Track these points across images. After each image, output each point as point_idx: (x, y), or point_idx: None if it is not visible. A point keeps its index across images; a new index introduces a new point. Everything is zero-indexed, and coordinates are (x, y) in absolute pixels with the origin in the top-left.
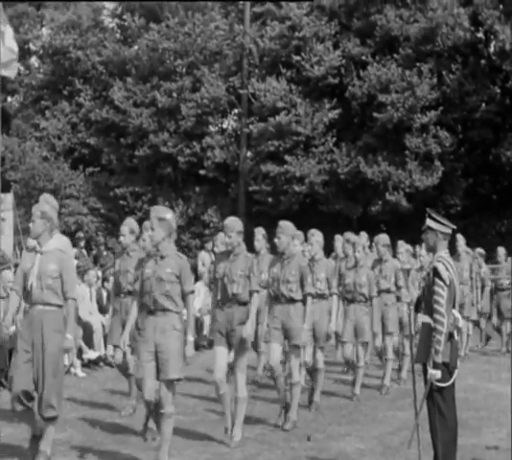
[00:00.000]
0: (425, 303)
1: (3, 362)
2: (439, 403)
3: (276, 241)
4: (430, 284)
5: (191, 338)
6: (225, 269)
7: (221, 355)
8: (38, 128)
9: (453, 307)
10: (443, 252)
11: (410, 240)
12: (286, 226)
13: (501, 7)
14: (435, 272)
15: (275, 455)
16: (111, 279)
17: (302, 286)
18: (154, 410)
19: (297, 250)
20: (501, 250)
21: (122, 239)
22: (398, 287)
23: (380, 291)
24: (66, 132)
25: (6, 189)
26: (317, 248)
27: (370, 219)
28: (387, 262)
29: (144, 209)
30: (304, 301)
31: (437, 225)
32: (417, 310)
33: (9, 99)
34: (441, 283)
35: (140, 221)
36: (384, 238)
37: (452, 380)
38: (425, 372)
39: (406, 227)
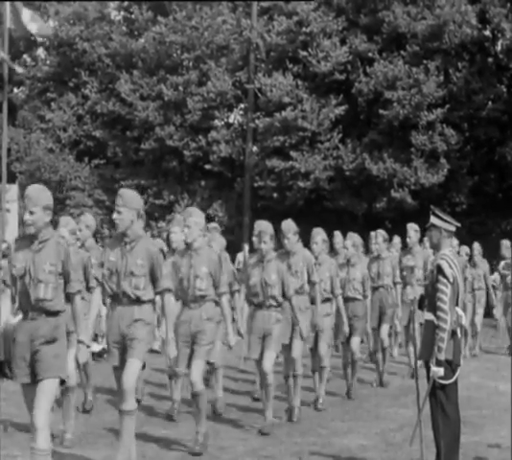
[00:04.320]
0: (428, 300)
1: (8, 353)
2: (442, 401)
3: (114, 216)
4: (434, 281)
5: None
6: (27, 263)
7: (30, 394)
8: (44, 120)
9: (457, 304)
10: (447, 250)
11: None
12: (127, 196)
13: (509, 5)
14: (439, 270)
15: (278, 450)
16: None
17: (154, 280)
18: None
19: (166, 241)
20: (506, 243)
21: None
22: (312, 284)
23: None
24: (72, 124)
25: (11, 180)
26: (196, 233)
27: (375, 216)
28: (297, 254)
29: (149, 202)
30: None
31: (441, 223)
32: (420, 307)
33: (15, 90)
34: (445, 280)
35: (146, 215)
36: (292, 224)
37: (454, 378)
38: (428, 369)
39: None
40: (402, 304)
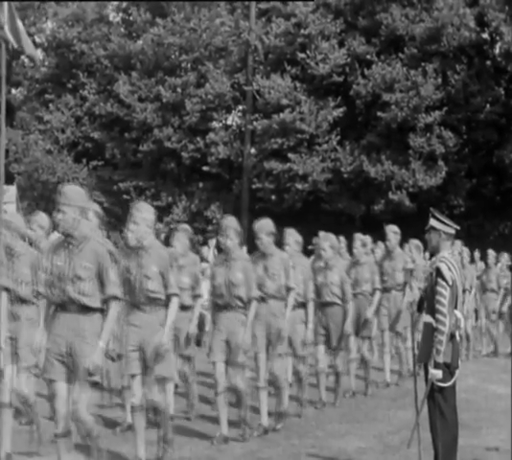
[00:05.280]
0: (427, 303)
1: None
2: (440, 404)
3: (56, 216)
4: (433, 284)
5: None
6: None
7: None
8: (42, 121)
9: (456, 307)
10: (446, 252)
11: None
12: (69, 193)
13: (507, 9)
14: (438, 272)
15: (275, 452)
16: None
17: (103, 284)
18: None
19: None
20: (491, 253)
21: None
22: (287, 289)
23: (264, 297)
24: (70, 126)
25: (9, 181)
26: (144, 230)
27: (373, 218)
28: (274, 256)
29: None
30: (103, 309)
31: (441, 225)
32: (419, 310)
33: (13, 91)
34: (444, 283)
35: None
36: (267, 224)
37: (453, 381)
38: (426, 372)
39: (408, 227)
40: (381, 308)
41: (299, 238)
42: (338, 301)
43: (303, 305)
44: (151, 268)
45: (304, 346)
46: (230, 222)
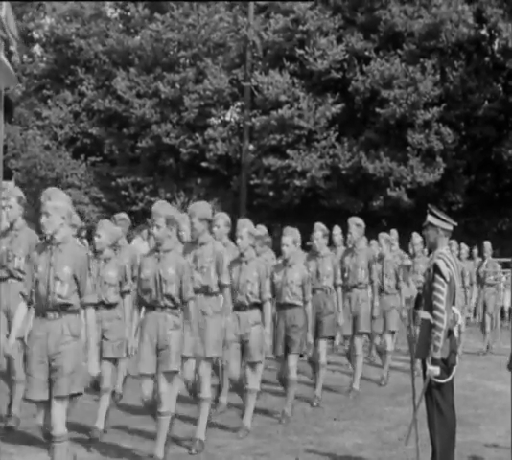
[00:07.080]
0: (425, 299)
1: None
2: (438, 400)
3: None
4: (431, 280)
5: None
6: None
7: None
8: (40, 117)
9: (453, 303)
10: (444, 248)
11: (411, 236)
12: None
13: (506, 5)
14: (436, 268)
15: (273, 448)
16: None
17: None
18: None
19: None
20: (488, 245)
21: None
22: (221, 286)
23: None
24: (68, 121)
25: (7, 177)
26: (58, 222)
27: (371, 215)
28: (206, 246)
29: (145, 200)
30: None
31: (438, 222)
32: (417, 306)
33: (11, 87)
34: (441, 279)
35: (143, 213)
36: (202, 207)
37: (450, 377)
38: (424, 368)
39: (407, 223)
40: (343, 309)
41: (260, 230)
42: (299, 302)
43: (257, 305)
44: (63, 269)
45: (261, 352)
46: (158, 209)
